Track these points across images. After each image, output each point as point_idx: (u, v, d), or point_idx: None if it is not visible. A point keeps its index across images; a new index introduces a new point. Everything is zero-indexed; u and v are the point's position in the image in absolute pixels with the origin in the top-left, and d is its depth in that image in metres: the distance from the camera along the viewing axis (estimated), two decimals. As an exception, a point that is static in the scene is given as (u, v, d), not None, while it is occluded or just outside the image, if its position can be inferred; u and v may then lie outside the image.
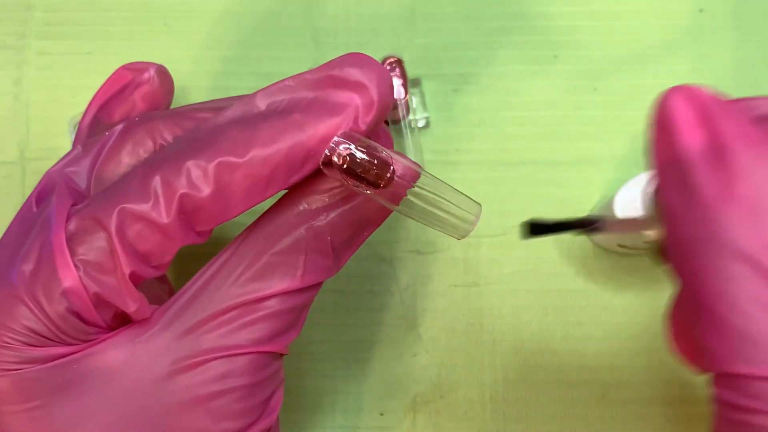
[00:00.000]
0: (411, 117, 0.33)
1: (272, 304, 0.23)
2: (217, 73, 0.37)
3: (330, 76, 0.22)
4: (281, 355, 0.24)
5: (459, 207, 0.23)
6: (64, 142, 0.36)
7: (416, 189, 0.22)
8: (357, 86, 0.22)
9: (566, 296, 0.35)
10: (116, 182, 0.23)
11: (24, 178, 0.36)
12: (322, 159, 0.22)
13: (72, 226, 0.22)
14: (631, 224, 0.24)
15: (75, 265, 0.21)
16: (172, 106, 0.31)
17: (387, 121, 0.34)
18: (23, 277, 0.21)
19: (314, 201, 0.23)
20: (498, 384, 0.34)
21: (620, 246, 0.33)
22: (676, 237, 0.19)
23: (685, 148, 0.19)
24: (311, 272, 0.23)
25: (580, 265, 0.35)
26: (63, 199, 0.23)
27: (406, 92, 0.32)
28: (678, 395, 0.34)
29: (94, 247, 0.21)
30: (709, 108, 0.19)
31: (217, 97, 0.32)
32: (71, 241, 0.21)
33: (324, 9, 0.37)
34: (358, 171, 0.21)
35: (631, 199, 0.31)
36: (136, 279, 0.22)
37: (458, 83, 0.36)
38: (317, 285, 0.24)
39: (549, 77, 0.36)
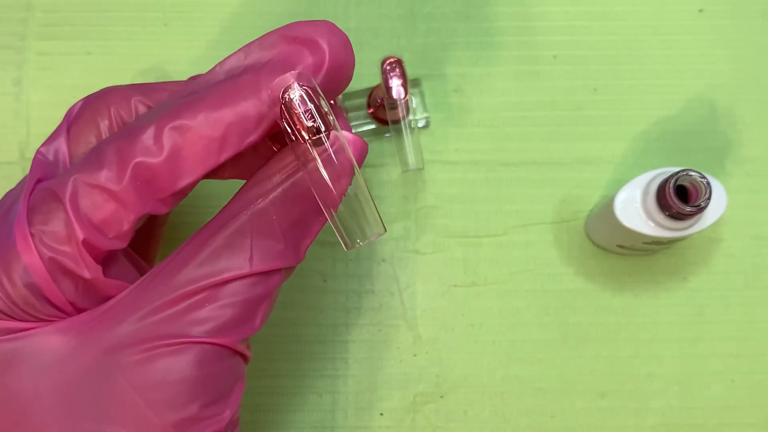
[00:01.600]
0: (411, 117, 0.33)
1: (222, 294, 0.22)
2: (217, 73, 0.37)
3: (282, 37, 0.22)
4: (237, 353, 0.23)
5: (368, 219, 0.22)
6: (64, 142, 0.36)
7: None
8: (308, 43, 0.22)
9: (566, 296, 0.35)
10: (80, 158, 0.23)
11: (24, 178, 0.36)
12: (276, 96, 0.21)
13: (32, 199, 0.22)
14: None
15: (31, 234, 0.21)
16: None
17: (387, 121, 0.34)
18: None
19: (255, 186, 0.23)
20: (498, 384, 0.34)
21: (620, 246, 0.33)
22: None
23: None
24: (261, 258, 0.22)
25: (580, 265, 0.35)
26: (32, 177, 0.23)
27: (406, 92, 0.32)
28: (677, 401, 0.34)
29: (49, 217, 0.21)
30: None
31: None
32: (30, 212, 0.22)
33: (324, 9, 0.37)
34: (296, 112, 0.21)
35: (631, 199, 0.31)
36: (94, 251, 0.22)
37: (458, 83, 0.36)
38: (273, 273, 0.23)
39: (549, 77, 0.36)
